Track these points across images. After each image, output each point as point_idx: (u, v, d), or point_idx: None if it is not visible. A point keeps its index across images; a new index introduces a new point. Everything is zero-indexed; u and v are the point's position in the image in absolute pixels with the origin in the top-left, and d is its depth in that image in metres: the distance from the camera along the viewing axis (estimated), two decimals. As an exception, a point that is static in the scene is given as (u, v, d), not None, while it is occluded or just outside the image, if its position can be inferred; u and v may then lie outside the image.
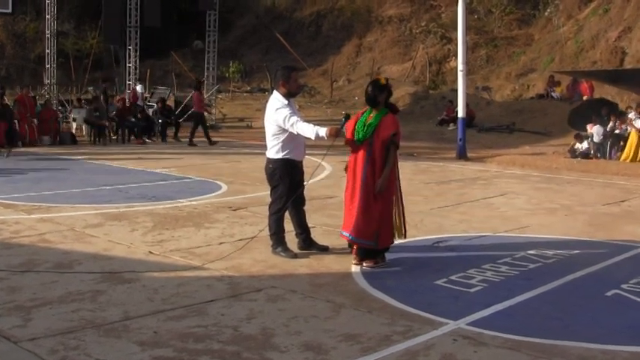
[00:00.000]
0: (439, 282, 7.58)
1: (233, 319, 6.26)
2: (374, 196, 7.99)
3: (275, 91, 8.65)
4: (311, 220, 9.25)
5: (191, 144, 23.74)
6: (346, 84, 40.30)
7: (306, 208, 9.03)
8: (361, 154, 8.08)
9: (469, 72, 29.03)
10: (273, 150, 8.56)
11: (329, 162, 16.04)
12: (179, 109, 30.28)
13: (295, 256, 8.55)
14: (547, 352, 5.61)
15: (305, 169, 8.86)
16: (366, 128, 8.04)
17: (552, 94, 29.13)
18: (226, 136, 26.05)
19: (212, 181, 15.01)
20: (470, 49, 33.03)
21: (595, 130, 20.67)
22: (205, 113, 25.79)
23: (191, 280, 7.55)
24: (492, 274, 7.88)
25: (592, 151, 20.55)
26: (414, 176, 16.04)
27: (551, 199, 13.41)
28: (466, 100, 21.61)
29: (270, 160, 8.63)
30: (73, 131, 26.04)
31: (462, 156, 20.54)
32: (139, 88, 29.63)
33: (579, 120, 22.46)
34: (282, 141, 8.45)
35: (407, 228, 8.54)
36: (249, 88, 40.43)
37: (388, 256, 8.34)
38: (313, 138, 8.16)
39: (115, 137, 25.37)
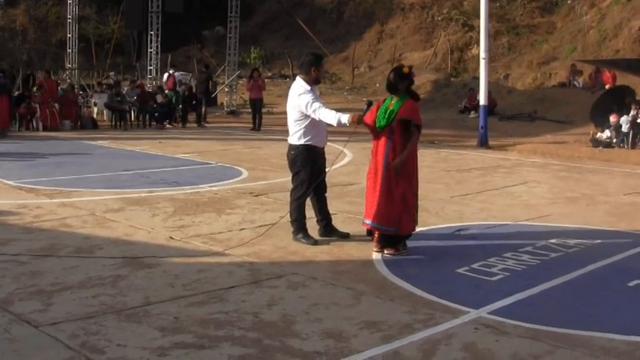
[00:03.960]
0: (460, 270, 7.55)
1: (254, 306, 6.26)
2: (395, 181, 7.97)
3: (298, 77, 8.63)
4: (332, 206, 9.24)
5: (255, 129, 24.42)
6: (367, 71, 40.20)
7: (327, 194, 9.01)
8: (383, 140, 8.06)
9: (491, 60, 28.80)
10: (295, 136, 8.53)
11: (350, 149, 16.03)
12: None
13: (316, 242, 8.54)
14: (569, 342, 5.57)
15: (327, 155, 8.85)
16: (387, 115, 8.01)
17: (575, 82, 28.90)
18: (247, 122, 25.99)
19: (233, 167, 15.02)
20: (492, 36, 32.83)
21: (623, 120, 20.42)
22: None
23: (212, 266, 7.56)
24: (514, 263, 7.84)
25: (614, 140, 20.36)
26: (435, 164, 15.98)
27: (573, 188, 13.32)
28: (488, 88, 21.47)
29: (292, 147, 8.61)
30: (94, 116, 26.14)
31: (483, 144, 20.42)
32: (177, 74, 29.78)
33: (600, 113, 22.17)
34: (305, 127, 8.42)
35: (421, 215, 8.52)
36: (269, 74, 40.40)
37: (409, 244, 8.32)
38: (335, 124, 8.13)
39: (135, 122, 25.45)
